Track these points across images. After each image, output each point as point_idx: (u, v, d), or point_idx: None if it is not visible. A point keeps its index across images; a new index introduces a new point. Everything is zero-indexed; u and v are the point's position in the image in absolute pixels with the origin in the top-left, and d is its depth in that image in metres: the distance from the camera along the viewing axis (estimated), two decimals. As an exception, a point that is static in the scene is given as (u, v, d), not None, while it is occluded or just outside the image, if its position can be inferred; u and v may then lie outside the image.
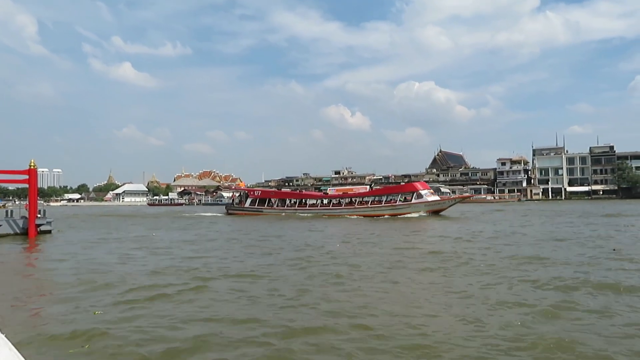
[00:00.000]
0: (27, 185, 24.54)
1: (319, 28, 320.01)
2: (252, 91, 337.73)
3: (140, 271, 12.26)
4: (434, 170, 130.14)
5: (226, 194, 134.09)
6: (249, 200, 49.23)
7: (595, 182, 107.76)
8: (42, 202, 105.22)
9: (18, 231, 23.97)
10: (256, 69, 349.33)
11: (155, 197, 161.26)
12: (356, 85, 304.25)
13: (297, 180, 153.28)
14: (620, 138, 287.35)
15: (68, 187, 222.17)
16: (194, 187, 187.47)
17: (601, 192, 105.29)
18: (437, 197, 42.39)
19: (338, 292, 9.26)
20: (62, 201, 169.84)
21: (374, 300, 8.36)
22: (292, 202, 47.66)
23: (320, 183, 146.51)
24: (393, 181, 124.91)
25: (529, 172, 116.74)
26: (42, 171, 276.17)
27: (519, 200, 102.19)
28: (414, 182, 50.56)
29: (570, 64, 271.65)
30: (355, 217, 40.34)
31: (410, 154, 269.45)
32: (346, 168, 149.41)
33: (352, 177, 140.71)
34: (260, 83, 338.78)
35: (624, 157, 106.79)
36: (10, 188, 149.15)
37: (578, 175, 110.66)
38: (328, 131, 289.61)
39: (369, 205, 42.05)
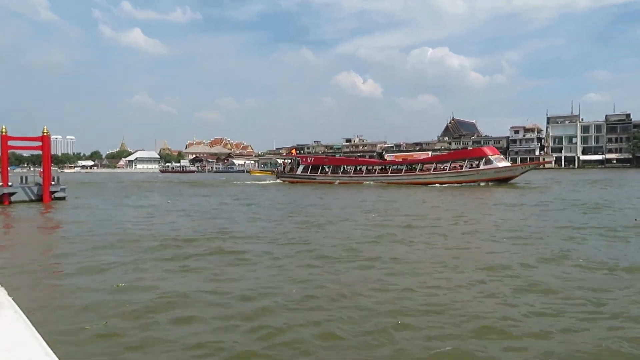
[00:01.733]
0: (40, 152, 24.91)
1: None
2: (263, 58, 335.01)
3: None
4: (446, 138, 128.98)
5: (237, 162, 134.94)
6: (301, 167, 47.96)
7: (610, 151, 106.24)
8: (55, 168, 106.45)
9: (33, 198, 24.41)
10: (267, 35, 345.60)
11: (167, 164, 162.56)
12: (368, 51, 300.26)
13: (307, 148, 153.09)
14: (638, 105, 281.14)
15: (81, 154, 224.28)
16: (205, 155, 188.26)
17: (615, 161, 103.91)
18: (507, 163, 39.42)
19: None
20: (75, 168, 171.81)
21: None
22: (347, 169, 45.67)
23: (331, 151, 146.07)
24: (404, 149, 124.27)
25: (542, 141, 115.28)
26: (56, 138, 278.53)
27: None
28: (481, 147, 46.62)
29: (588, 29, 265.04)
30: (417, 185, 37.88)
31: (423, 122, 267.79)
32: (357, 136, 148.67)
33: (363, 145, 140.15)
34: (270, 50, 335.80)
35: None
36: (24, 155, 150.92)
37: (592, 143, 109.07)
38: (339, 98, 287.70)
39: (431, 172, 39.65)
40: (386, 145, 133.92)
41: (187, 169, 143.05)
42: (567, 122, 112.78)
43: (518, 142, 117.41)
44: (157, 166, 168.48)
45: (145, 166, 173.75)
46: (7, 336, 1.79)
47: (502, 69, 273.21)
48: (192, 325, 5.72)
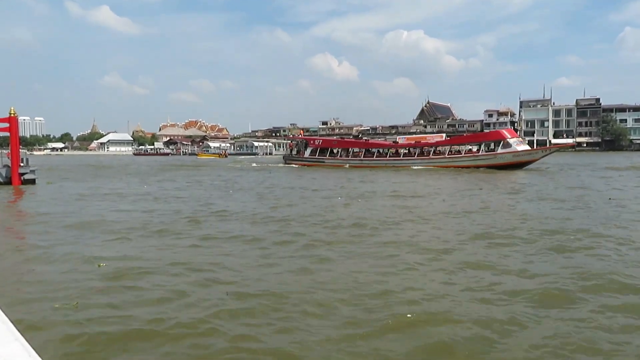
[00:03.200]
0: (8, 134, 24.15)
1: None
2: (237, 39, 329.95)
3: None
4: (422, 121, 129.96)
5: (213, 144, 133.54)
6: (308, 150, 46.24)
7: (580, 135, 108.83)
8: (24, 150, 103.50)
9: (1, 180, 23.74)
10: (241, 15, 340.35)
11: (141, 147, 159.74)
12: (344, 33, 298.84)
13: (284, 131, 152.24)
14: (607, 91, 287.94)
15: (51, 136, 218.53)
16: (180, 137, 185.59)
17: (585, 145, 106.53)
18: (526, 147, 37.88)
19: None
20: (45, 150, 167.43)
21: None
22: (357, 151, 44.01)
23: (307, 134, 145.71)
24: (380, 132, 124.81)
25: (515, 124, 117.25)
26: (24, 119, 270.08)
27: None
28: (499, 130, 44.17)
29: (561, 14, 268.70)
30: (430, 168, 36.69)
31: (398, 105, 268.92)
32: (334, 119, 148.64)
33: (340, 128, 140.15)
34: (245, 31, 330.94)
35: (609, 110, 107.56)
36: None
37: (563, 127, 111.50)
38: (315, 81, 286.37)
39: (445, 155, 38.23)
40: (362, 129, 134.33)
41: (162, 151, 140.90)
42: (539, 106, 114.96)
43: (492, 126, 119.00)
44: (130, 149, 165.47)
45: (118, 148, 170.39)
46: None
47: (477, 53, 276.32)
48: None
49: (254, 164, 51.30)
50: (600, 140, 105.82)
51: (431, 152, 39.24)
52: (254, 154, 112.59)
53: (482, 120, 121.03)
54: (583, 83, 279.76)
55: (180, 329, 4.98)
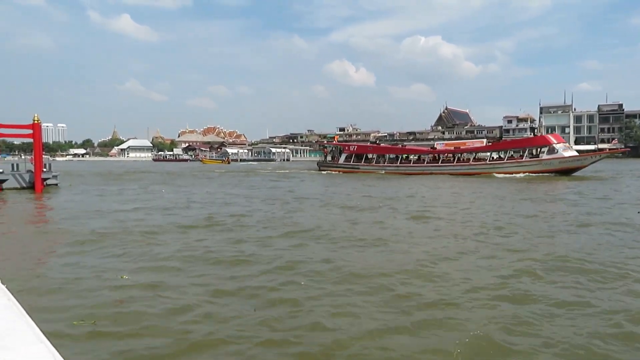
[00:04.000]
0: (32, 140, 24.64)
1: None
2: (254, 45, 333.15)
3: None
4: (439, 127, 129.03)
5: (231, 150, 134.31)
6: (343, 156, 45.35)
7: (602, 141, 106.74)
8: (47, 156, 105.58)
9: (25, 185, 24.21)
10: (258, 22, 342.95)
11: (160, 153, 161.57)
12: (360, 39, 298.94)
13: (301, 137, 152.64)
14: (629, 95, 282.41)
15: (73, 142, 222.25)
16: (198, 143, 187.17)
17: (607, 151, 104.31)
18: (574, 152, 36.07)
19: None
20: (67, 156, 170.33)
21: None
22: (394, 158, 42.83)
23: (324, 140, 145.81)
24: (398, 139, 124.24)
25: (535, 130, 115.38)
26: (47, 126, 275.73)
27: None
28: (544, 135, 42.65)
29: (580, 18, 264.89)
30: (471, 175, 35.52)
31: (416, 111, 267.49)
32: (351, 125, 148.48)
33: (357, 134, 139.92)
34: (262, 37, 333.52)
35: (632, 116, 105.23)
36: (15, 142, 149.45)
37: (585, 133, 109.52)
38: (332, 87, 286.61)
39: (487, 162, 37.31)
40: (379, 135, 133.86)
41: (180, 157, 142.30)
42: (559, 111, 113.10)
43: (511, 132, 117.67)
44: (149, 154, 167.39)
45: (137, 154, 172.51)
46: (0, 323, 1.78)
47: (495, 58, 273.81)
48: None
49: (304, 171, 50.14)
50: (623, 146, 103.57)
51: (471, 159, 38.16)
52: (272, 160, 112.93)
53: (502, 127, 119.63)
54: (605, 88, 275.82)
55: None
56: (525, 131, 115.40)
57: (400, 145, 55.75)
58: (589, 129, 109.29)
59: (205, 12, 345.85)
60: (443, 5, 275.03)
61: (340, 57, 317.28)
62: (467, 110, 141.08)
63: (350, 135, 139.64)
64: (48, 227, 13.34)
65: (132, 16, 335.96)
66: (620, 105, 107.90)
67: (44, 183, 24.36)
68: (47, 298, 6.24)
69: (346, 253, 8.87)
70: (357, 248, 9.33)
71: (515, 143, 43.54)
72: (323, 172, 45.33)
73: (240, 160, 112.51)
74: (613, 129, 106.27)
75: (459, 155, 39.27)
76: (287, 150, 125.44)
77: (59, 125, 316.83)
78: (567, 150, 35.08)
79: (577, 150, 39.65)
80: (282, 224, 12.33)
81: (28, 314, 1.89)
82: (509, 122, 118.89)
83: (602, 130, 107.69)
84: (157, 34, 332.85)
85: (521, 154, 36.25)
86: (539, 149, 35.27)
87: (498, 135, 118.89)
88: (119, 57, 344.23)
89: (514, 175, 34.10)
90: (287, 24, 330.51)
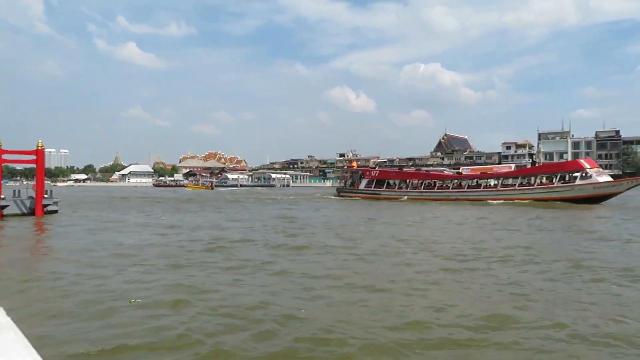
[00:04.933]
0: (34, 166, 25.11)
1: (325, 8, 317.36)
2: (258, 72, 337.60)
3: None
4: (439, 153, 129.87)
5: (231, 176, 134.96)
6: (364, 182, 44.19)
7: (600, 167, 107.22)
8: (49, 182, 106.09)
9: (25, 211, 24.51)
10: (262, 50, 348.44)
11: (160, 179, 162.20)
12: (361, 66, 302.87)
13: (301, 163, 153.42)
14: (627, 122, 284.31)
15: (75, 168, 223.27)
16: (199, 169, 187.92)
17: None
18: (608, 178, 34.70)
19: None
20: (68, 181, 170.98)
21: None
22: (417, 183, 41.78)
23: (324, 166, 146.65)
24: (398, 164, 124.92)
25: (534, 157, 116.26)
26: (50, 151, 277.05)
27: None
28: (577, 159, 41.37)
29: (579, 46, 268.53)
30: (498, 202, 34.41)
31: (416, 137, 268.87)
32: (351, 150, 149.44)
33: (357, 160, 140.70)
34: (266, 64, 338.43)
35: (630, 142, 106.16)
36: (17, 168, 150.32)
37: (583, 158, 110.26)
38: (332, 113, 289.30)
39: (515, 187, 35.83)
40: (379, 161, 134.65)
41: (180, 183, 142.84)
42: (557, 138, 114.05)
43: (510, 158, 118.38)
44: (150, 180, 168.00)
45: (138, 180, 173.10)
46: (7, 357, 1.74)
47: (494, 85, 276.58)
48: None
49: (321, 195, 49.50)
50: (621, 172, 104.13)
51: (499, 184, 37.16)
52: (272, 186, 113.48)
53: (500, 153, 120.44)
54: (602, 115, 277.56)
55: None
56: (524, 157, 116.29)
57: (425, 171, 54.30)
58: (587, 155, 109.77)
59: (210, 40, 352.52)
60: (443, 33, 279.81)
61: (341, 83, 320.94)
62: (466, 136, 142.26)
63: (350, 161, 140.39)
64: (45, 253, 13.67)
65: (137, 44, 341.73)
66: (618, 132, 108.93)
67: (44, 209, 24.69)
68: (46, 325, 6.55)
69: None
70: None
71: (544, 168, 42.24)
72: (342, 198, 44.40)
73: (240, 185, 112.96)
74: (610, 155, 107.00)
75: (486, 180, 38.48)
76: (287, 176, 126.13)
77: (62, 151, 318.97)
78: (601, 176, 33.87)
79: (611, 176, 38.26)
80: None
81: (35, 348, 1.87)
82: (508, 148, 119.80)
83: (600, 156, 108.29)
84: (162, 61, 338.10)
85: (552, 179, 34.99)
86: (571, 174, 34.10)
87: (497, 161, 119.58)
88: (124, 84, 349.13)
89: (546, 201, 32.83)
90: (291, 52, 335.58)
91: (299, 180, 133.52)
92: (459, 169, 45.08)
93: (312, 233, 16.79)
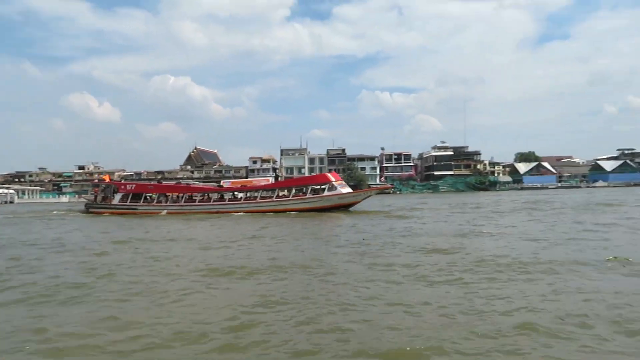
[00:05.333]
0: None
1: (64, 5, 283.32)
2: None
3: None
4: (189, 167, 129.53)
5: None
6: (118, 196, 41.03)
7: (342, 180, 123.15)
8: None
9: None
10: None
11: None
12: (106, 73, 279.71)
13: (30, 176, 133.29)
14: (351, 142, 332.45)
15: None
16: None
17: (377, 188, 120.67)
18: (349, 189, 39.03)
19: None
20: None
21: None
22: (177, 197, 40.69)
23: (60, 179, 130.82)
24: (145, 177, 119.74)
25: (277, 171, 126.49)
26: None
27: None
28: (325, 174, 43.97)
29: (314, 74, 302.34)
30: (258, 213, 35.90)
31: (165, 150, 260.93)
32: (92, 163, 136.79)
33: (99, 173, 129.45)
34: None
35: (352, 159, 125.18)
36: None
37: (317, 173, 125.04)
38: (70, 121, 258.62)
39: (273, 199, 37.86)
40: (125, 174, 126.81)
41: None
42: (296, 154, 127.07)
43: (256, 172, 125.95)
44: None
45: None
46: None
47: (242, 103, 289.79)
48: None
49: (55, 212, 45.27)
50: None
51: (258, 196, 38.84)
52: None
53: (247, 167, 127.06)
54: (332, 135, 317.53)
55: None
56: (269, 171, 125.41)
57: (186, 184, 53.40)
58: (321, 169, 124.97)
59: None
60: (194, 48, 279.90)
61: (81, 89, 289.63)
62: (216, 151, 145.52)
63: (92, 174, 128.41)
64: None
65: None
66: (344, 150, 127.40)
67: None
68: None
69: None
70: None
71: (298, 181, 46.07)
72: (92, 214, 40.68)
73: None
74: (339, 170, 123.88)
75: (246, 193, 39.88)
76: (12, 191, 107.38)
77: None
78: (344, 187, 37.88)
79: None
80: None
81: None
82: (254, 162, 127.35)
83: (330, 170, 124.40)
84: None
85: (304, 191, 37.95)
86: (320, 186, 37.47)
87: (244, 175, 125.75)
88: None
89: (300, 211, 35.96)
90: (18, 49, 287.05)
91: (26, 196, 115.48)
92: (216, 182, 46.61)
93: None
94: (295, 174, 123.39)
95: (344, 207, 36.98)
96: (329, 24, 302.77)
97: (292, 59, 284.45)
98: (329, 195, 36.40)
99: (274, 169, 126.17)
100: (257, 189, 40.59)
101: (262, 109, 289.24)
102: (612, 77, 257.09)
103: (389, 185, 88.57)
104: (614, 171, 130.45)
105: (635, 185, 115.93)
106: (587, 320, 6.57)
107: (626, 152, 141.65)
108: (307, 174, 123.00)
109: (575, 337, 5.95)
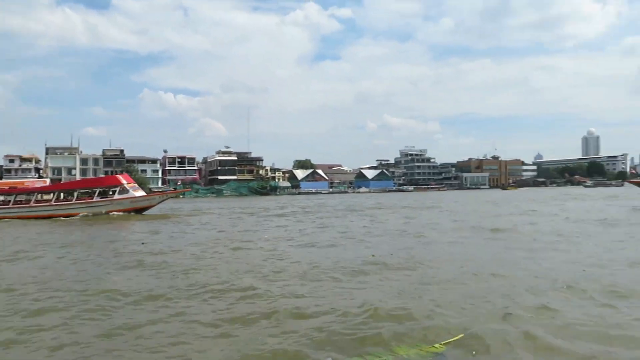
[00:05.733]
0: None
1: None
2: None
3: None
4: None
5: None
6: None
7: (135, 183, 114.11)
8: None
9: None
10: None
11: None
12: None
13: None
14: (131, 142, 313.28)
15: None
16: None
17: (172, 191, 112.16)
18: (143, 193, 36.84)
19: None
20: None
21: None
22: None
23: None
24: None
25: (41, 171, 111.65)
26: None
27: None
28: (115, 175, 41.32)
29: (89, 66, 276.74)
30: (33, 219, 31.73)
31: None
32: None
33: None
34: None
35: (132, 161, 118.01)
36: None
37: (91, 175, 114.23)
38: None
39: (52, 203, 33.91)
40: None
41: None
42: (66, 153, 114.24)
43: (14, 172, 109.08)
44: None
45: None
46: None
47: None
48: None
49: None
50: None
51: (32, 200, 34.40)
52: None
53: (2, 166, 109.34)
54: (110, 134, 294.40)
55: None
56: (30, 171, 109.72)
57: None
58: (95, 171, 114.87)
59: None
60: None
61: None
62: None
63: None
64: None
65: None
66: (122, 151, 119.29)
67: None
68: None
69: None
70: None
71: (83, 183, 42.71)
72: None
73: None
74: (116, 172, 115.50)
75: (16, 195, 34.99)
76: None
77: None
78: (137, 191, 35.97)
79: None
80: None
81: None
82: (11, 161, 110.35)
83: (107, 172, 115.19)
84: None
85: (90, 194, 34.85)
86: (109, 189, 35.28)
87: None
88: None
89: (84, 215, 33.11)
90: None
91: None
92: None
93: None
94: (65, 175, 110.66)
95: (136, 211, 35.24)
96: (107, 14, 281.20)
97: (62, 47, 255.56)
98: (120, 199, 34.38)
99: (37, 170, 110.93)
100: (30, 191, 35.68)
101: (24, 101, 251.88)
102: (373, 97, 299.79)
103: (187, 189, 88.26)
104: (374, 179, 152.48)
105: (390, 191, 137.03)
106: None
107: (383, 162, 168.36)
108: (78, 176, 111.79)
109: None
